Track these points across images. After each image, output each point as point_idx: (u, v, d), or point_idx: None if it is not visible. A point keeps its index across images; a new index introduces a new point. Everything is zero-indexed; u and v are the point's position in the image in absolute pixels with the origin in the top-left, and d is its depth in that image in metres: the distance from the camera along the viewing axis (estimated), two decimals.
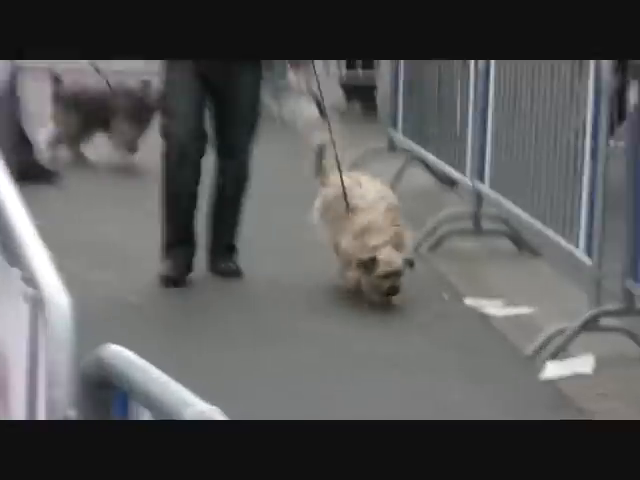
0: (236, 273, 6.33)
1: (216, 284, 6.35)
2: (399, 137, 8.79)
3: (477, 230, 7.16)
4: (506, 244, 7.29)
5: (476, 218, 7.10)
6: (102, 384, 2.05)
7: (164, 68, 6.07)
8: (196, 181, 6.12)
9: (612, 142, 6.13)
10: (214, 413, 1.70)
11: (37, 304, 2.14)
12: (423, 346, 5.68)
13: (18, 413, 2.32)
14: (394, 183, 8.02)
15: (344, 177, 6.00)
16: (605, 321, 5.62)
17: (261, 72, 6.17)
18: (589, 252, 5.73)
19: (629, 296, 5.58)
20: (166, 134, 6.07)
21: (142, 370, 1.91)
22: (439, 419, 4.04)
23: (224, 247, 6.35)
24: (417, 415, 4.33)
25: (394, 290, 5.96)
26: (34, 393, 2.20)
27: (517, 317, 6.03)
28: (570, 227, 6.00)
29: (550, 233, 6.25)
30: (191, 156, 5.98)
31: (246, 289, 6.37)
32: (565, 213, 6.09)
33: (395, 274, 5.93)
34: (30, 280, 2.19)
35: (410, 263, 6.04)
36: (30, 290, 2.18)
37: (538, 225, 6.42)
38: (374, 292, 5.97)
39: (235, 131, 6.07)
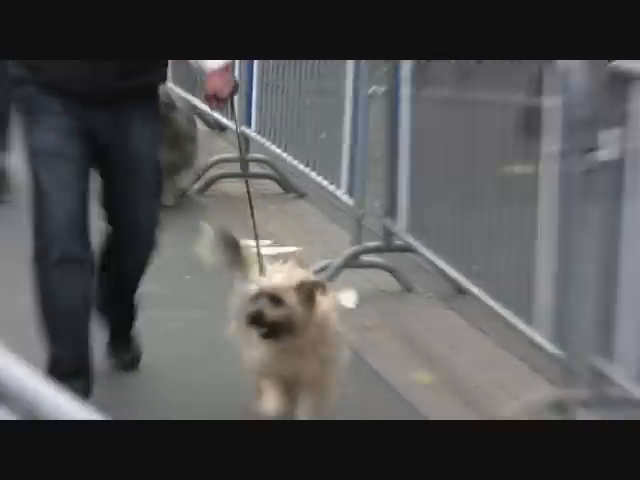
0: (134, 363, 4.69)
1: None
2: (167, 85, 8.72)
3: (245, 173, 7.25)
4: (273, 186, 7.41)
5: (243, 162, 7.15)
6: None
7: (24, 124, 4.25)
8: (85, 294, 4.21)
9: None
10: None
11: None
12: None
13: None
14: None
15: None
16: (366, 258, 5.81)
17: (158, 123, 4.51)
18: (351, 193, 5.91)
19: (388, 234, 5.80)
20: (35, 232, 4.10)
21: None
22: None
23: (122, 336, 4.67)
24: None
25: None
26: None
27: (283, 256, 6.11)
28: (333, 169, 6.15)
29: (314, 175, 6.38)
30: (74, 260, 4.06)
31: None
32: (328, 156, 6.23)
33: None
34: None
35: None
36: None
37: (303, 168, 6.54)
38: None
39: (135, 202, 4.29)
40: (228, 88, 4.15)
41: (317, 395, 3.96)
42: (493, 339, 5.26)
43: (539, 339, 4.68)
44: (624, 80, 4.08)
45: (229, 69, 4.21)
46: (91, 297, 4.26)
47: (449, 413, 4.44)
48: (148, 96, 4.26)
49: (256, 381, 4.01)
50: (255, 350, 3.89)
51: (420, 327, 5.53)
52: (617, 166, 4.13)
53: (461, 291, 5.54)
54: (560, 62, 4.25)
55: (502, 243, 5.00)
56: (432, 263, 5.65)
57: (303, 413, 3.87)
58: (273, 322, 3.76)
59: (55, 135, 4.01)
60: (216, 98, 4.13)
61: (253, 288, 3.86)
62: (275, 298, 3.77)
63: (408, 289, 5.85)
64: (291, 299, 3.79)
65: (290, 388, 3.92)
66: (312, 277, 4.16)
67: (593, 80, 4.18)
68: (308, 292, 3.83)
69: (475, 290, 5.20)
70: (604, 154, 4.11)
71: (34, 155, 4.08)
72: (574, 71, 4.21)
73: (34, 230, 4.07)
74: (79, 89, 4.03)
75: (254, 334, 3.80)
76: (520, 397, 4.61)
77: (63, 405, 1.61)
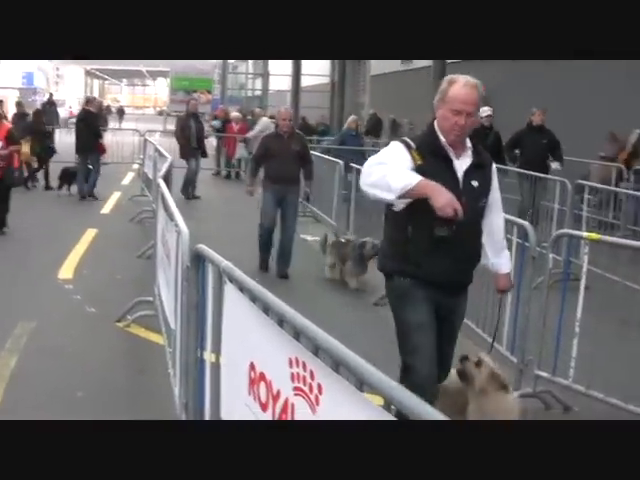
0: None
1: None
2: None
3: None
4: None
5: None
6: None
7: (398, 304, 4.71)
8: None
9: None
10: None
11: None
12: None
13: None
14: None
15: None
16: None
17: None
18: None
19: None
20: (407, 369, 4.66)
21: None
22: None
23: None
24: None
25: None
26: None
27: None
28: None
29: None
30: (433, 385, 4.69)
31: None
32: None
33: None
34: None
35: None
36: None
37: None
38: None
39: (451, 347, 4.94)
40: (510, 285, 5.04)
41: None
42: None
43: (504, 352, 6.58)
44: None
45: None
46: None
47: None
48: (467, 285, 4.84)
49: None
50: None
51: None
52: None
53: None
54: None
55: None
56: None
57: None
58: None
59: (423, 314, 4.57)
60: (502, 291, 5.08)
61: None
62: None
63: None
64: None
65: None
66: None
67: None
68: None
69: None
70: None
71: (410, 326, 4.59)
72: None
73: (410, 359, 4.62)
74: (443, 283, 4.60)
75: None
76: None
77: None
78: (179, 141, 17.19)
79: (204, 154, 17.78)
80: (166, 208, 5.97)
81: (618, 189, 13.30)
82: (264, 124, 21.36)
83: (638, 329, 6.14)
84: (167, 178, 8.52)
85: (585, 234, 6.35)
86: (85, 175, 16.32)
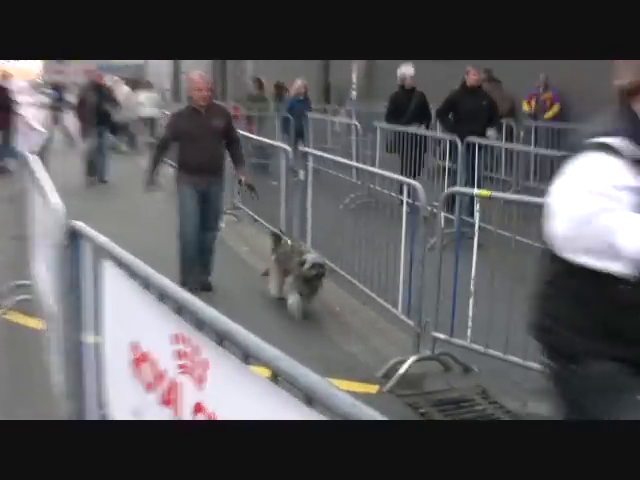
0: None
1: None
2: None
3: None
4: None
5: None
6: None
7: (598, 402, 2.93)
8: None
9: None
10: None
11: None
12: None
13: None
14: None
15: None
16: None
17: None
18: None
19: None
20: None
21: None
22: None
23: None
24: None
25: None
26: None
27: None
28: None
29: None
30: None
31: None
32: None
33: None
34: None
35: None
36: None
37: None
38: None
39: None
40: None
41: None
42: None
43: (401, 316, 6.60)
44: None
45: None
46: None
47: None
48: None
49: None
50: None
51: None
52: None
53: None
54: None
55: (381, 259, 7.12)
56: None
57: None
58: None
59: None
60: None
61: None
62: None
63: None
64: None
65: None
66: None
67: None
68: None
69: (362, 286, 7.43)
70: None
71: None
72: None
73: None
74: None
75: None
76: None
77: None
78: (75, 116, 16.83)
79: (113, 131, 17.37)
80: (40, 185, 5.70)
81: (508, 144, 13.32)
82: (126, 96, 20.67)
83: (533, 285, 6.17)
84: (41, 153, 8.18)
85: (476, 191, 6.36)
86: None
